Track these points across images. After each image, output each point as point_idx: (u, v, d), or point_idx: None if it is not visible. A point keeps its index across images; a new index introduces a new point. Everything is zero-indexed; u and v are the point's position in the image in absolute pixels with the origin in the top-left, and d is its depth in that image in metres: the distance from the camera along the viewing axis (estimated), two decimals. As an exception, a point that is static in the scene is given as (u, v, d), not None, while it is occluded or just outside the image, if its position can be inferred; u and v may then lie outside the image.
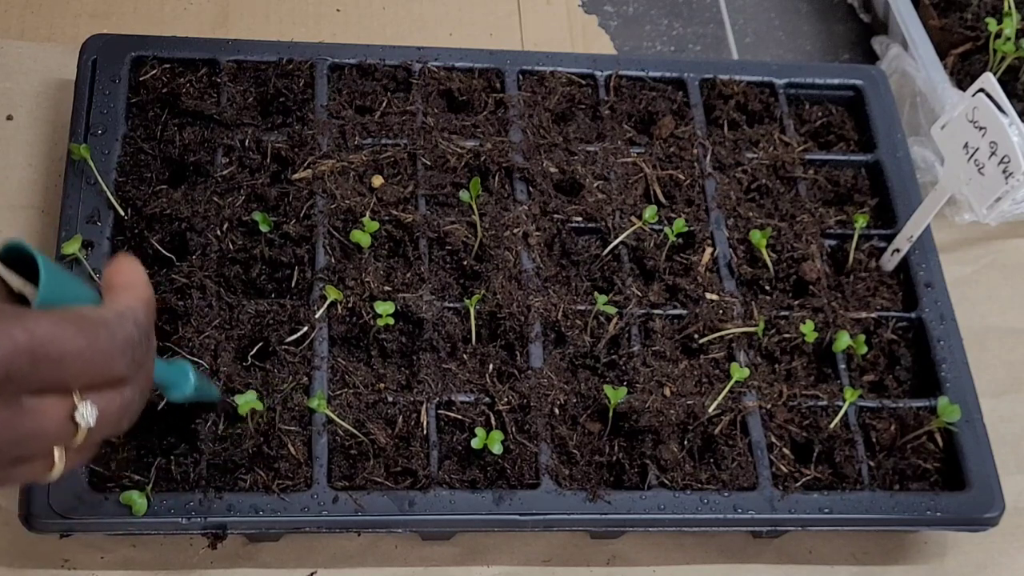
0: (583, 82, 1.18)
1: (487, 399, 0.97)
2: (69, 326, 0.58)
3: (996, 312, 1.20)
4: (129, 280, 0.67)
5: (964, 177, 1.00)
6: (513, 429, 0.96)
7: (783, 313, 1.06)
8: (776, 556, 1.03)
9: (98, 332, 0.59)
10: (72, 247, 0.96)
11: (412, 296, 0.99)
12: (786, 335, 1.05)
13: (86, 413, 0.59)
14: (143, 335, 0.64)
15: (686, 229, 1.08)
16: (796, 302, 1.07)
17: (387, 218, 1.04)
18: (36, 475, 0.61)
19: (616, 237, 1.06)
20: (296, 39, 1.19)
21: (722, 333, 1.03)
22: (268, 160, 1.07)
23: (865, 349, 1.04)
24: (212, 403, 0.92)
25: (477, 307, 0.99)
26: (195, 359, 0.93)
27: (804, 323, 1.04)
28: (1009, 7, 1.25)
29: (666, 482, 0.96)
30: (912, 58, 1.25)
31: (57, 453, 0.60)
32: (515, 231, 1.05)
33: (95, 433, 0.61)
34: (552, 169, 1.10)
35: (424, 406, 0.96)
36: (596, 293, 1.03)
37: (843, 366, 1.04)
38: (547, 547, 1.01)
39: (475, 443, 0.93)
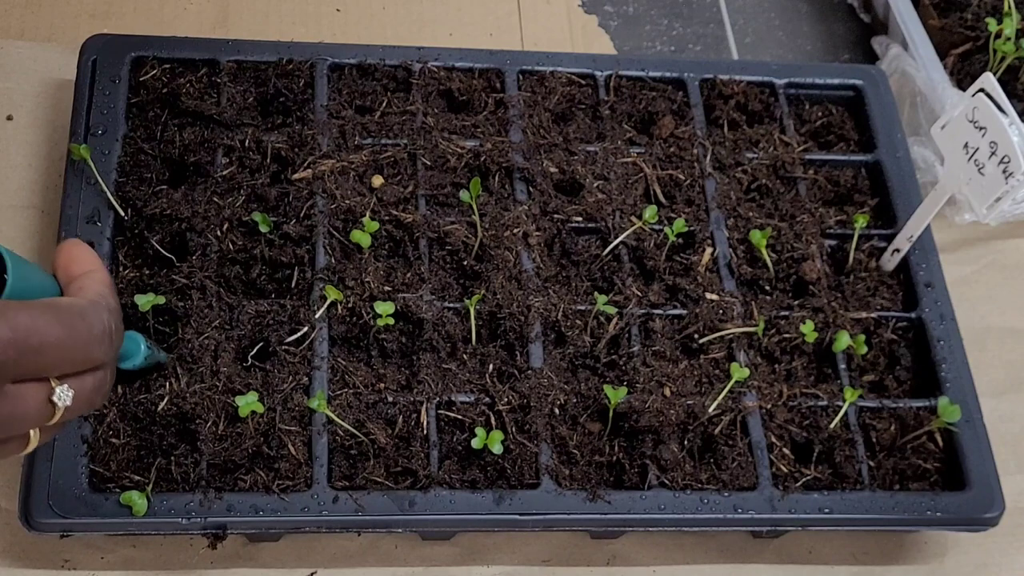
0: (583, 82, 1.18)
1: (487, 399, 0.97)
2: (49, 318, 0.60)
3: (996, 312, 1.20)
4: (88, 267, 0.69)
5: (964, 177, 1.00)
6: (513, 429, 0.96)
7: (783, 313, 1.06)
8: (776, 556, 1.03)
9: (76, 323, 0.62)
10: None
11: (412, 296, 0.99)
12: (786, 335, 1.05)
13: (63, 396, 0.62)
14: (116, 321, 0.66)
15: (686, 229, 1.08)
16: (796, 302, 1.07)
17: (387, 218, 1.04)
18: (10, 452, 0.63)
19: (616, 237, 1.06)
20: (296, 39, 1.19)
21: (722, 333, 1.03)
22: (268, 160, 1.07)
23: (865, 349, 1.04)
24: (161, 365, 0.93)
25: (477, 307, 0.99)
26: (194, 359, 0.94)
27: (804, 323, 1.04)
28: (1009, 7, 1.25)
29: (666, 482, 0.96)
30: (912, 58, 1.25)
31: (32, 432, 0.63)
32: (515, 231, 1.05)
33: (71, 412, 0.63)
34: (552, 169, 1.10)
35: (424, 406, 0.96)
36: (596, 293, 1.03)
37: (843, 366, 1.04)
38: (547, 547, 1.01)
39: (475, 443, 0.93)
